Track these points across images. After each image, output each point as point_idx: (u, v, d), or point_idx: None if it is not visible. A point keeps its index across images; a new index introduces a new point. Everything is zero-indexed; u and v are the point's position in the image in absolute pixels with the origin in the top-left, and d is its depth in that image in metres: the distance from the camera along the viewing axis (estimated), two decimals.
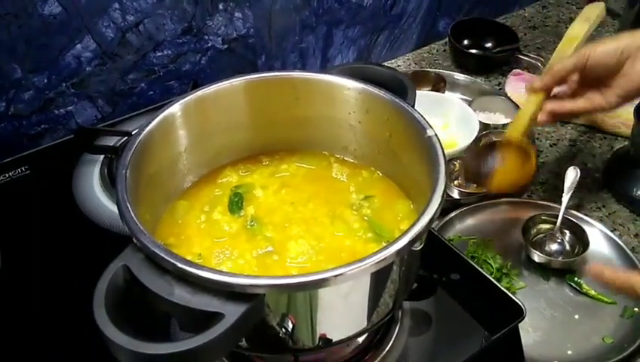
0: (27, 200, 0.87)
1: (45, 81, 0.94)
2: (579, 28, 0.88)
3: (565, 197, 0.88)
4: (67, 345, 0.68)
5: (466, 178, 0.82)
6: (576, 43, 0.85)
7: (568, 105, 0.83)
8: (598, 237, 0.87)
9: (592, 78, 0.81)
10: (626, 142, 1.02)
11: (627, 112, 0.99)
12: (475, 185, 0.81)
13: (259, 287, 0.46)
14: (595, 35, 1.34)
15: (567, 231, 0.87)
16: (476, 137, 1.00)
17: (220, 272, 0.46)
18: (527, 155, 0.82)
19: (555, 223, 0.87)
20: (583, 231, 0.85)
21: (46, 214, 0.85)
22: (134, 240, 0.48)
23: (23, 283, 0.75)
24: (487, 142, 0.85)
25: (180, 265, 0.46)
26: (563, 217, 0.87)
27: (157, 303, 0.46)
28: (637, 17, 1.19)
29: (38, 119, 0.97)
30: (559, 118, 0.88)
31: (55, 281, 0.75)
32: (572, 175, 0.91)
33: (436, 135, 0.58)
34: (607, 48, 0.78)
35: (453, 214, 0.90)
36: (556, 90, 0.83)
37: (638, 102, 0.94)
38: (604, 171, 1.00)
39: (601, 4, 0.91)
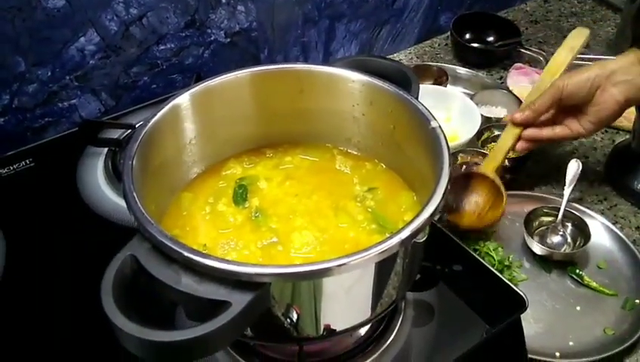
0: (32, 192, 0.88)
1: (49, 74, 0.94)
2: (562, 59, 0.93)
3: (567, 190, 0.89)
4: (74, 336, 0.69)
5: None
6: (557, 75, 0.90)
7: (546, 133, 0.88)
8: (600, 230, 0.88)
9: (569, 106, 0.85)
10: (628, 136, 1.02)
11: None
12: (448, 215, 0.84)
13: (265, 276, 0.46)
14: (595, 29, 1.35)
15: (568, 224, 0.88)
16: (478, 131, 1.00)
17: (227, 261, 0.46)
18: (498, 193, 0.85)
19: (556, 216, 0.88)
20: (585, 223, 0.86)
21: (50, 206, 0.85)
22: (141, 230, 0.49)
23: (28, 275, 0.76)
24: (464, 172, 0.88)
25: (187, 254, 0.46)
26: (565, 210, 0.87)
27: (164, 292, 0.47)
28: (638, 11, 1.18)
29: (42, 112, 0.97)
30: (537, 145, 0.91)
31: (60, 273, 0.75)
32: (574, 168, 0.91)
33: (440, 127, 0.58)
34: (579, 79, 0.83)
35: None
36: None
37: None
38: (606, 164, 1.01)
39: (587, 31, 0.95)
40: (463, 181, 0.87)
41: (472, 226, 0.85)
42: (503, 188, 0.84)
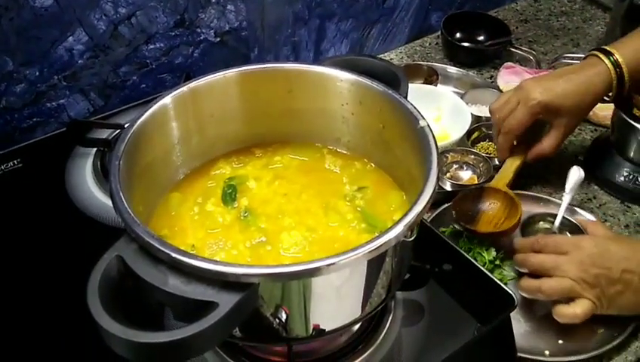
0: (20, 193, 0.87)
1: (37, 73, 0.94)
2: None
3: (566, 197, 0.86)
4: (61, 337, 0.68)
5: (458, 218, 0.86)
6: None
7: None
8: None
9: None
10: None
11: None
12: (465, 224, 0.86)
13: (253, 276, 0.46)
14: (585, 28, 1.36)
15: (566, 232, 0.85)
16: (468, 130, 1.00)
17: (214, 261, 0.46)
18: (513, 203, 0.87)
19: (553, 222, 0.86)
20: (582, 232, 0.82)
21: (39, 207, 0.84)
22: (128, 231, 0.49)
23: (16, 276, 0.75)
24: (477, 187, 0.91)
25: (174, 254, 0.46)
26: (562, 218, 0.85)
27: (151, 293, 0.47)
28: (627, 11, 1.19)
29: (30, 112, 0.96)
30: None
31: (48, 274, 0.75)
32: (575, 175, 0.88)
33: (428, 126, 0.58)
34: None
35: (445, 206, 0.91)
36: None
37: None
38: (585, 158, 1.01)
39: None
40: (477, 194, 0.89)
41: (489, 233, 0.85)
42: (517, 199, 0.86)
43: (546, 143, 0.91)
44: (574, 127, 0.92)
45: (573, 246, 0.74)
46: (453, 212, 0.86)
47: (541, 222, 0.88)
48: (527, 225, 0.87)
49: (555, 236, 0.82)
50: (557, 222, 0.86)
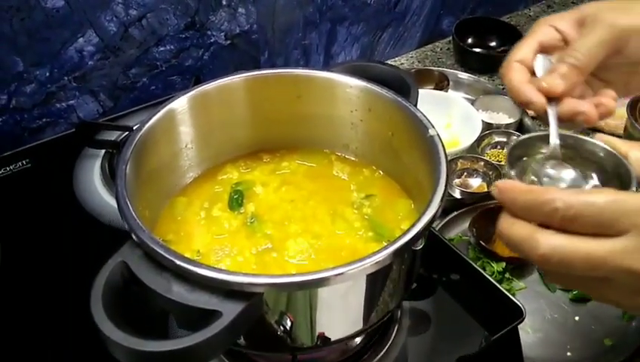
0: (28, 194, 0.87)
1: (47, 74, 0.94)
2: None
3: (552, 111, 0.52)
4: (65, 341, 0.68)
5: (478, 237, 0.85)
6: None
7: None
8: None
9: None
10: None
11: None
12: (485, 244, 0.85)
13: (257, 286, 0.45)
14: None
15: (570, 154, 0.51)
16: (479, 136, 0.99)
17: (219, 270, 0.46)
18: None
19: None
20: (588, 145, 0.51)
21: (46, 208, 0.84)
22: (133, 237, 0.48)
23: (22, 278, 0.75)
24: (495, 206, 0.88)
25: (178, 262, 0.46)
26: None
27: (155, 300, 0.46)
28: None
29: (39, 113, 0.97)
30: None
31: (55, 276, 0.75)
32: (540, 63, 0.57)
33: (438, 135, 0.58)
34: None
35: (454, 214, 0.90)
36: None
37: (630, 98, 0.94)
38: None
39: None
40: (495, 213, 0.87)
41: (508, 258, 0.83)
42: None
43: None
44: None
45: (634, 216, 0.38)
46: (474, 229, 0.86)
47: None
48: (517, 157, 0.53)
49: (593, 194, 0.42)
50: (553, 138, 0.51)
